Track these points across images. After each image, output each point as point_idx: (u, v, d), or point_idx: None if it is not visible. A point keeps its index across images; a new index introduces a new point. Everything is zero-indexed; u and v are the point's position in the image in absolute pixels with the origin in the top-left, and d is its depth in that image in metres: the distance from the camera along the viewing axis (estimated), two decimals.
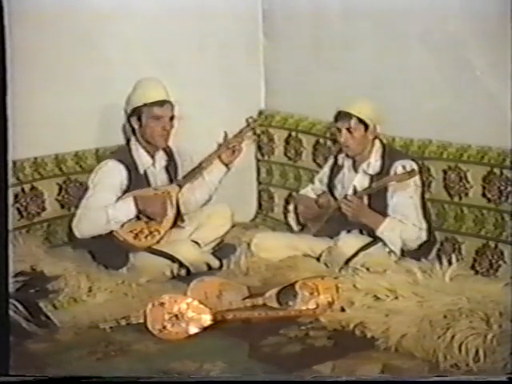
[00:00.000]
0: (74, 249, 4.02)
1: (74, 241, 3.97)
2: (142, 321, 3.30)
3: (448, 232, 3.95)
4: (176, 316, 3.29)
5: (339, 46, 4.32)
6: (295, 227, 4.20)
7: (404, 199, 3.80)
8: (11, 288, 2.94)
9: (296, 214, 4.20)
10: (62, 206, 4.20)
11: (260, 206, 4.96)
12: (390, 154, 3.92)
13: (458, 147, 3.88)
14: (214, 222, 4.11)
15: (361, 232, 3.94)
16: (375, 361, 3.00)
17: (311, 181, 4.36)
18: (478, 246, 3.83)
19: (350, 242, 3.88)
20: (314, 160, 4.58)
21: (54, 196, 4.17)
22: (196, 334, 3.28)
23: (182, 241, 4.02)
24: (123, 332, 3.28)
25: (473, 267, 3.82)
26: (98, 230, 3.84)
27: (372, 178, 3.90)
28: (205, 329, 3.29)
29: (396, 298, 3.38)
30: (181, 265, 3.92)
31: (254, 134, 4.49)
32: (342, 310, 3.39)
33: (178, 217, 4.05)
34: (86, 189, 3.92)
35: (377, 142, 3.95)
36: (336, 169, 4.11)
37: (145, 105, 3.91)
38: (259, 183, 4.97)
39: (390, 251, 3.81)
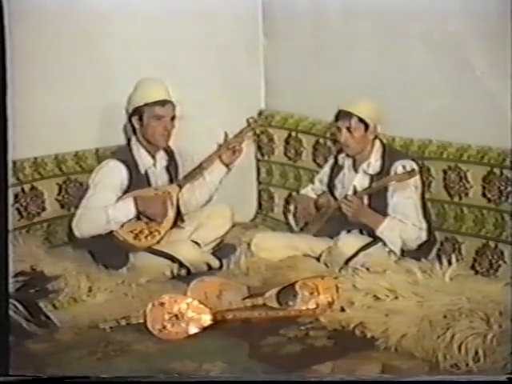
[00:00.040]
0: (73, 249, 4.02)
1: (74, 241, 3.97)
2: (141, 321, 3.30)
3: (448, 232, 3.95)
4: (176, 316, 3.29)
5: (339, 46, 4.31)
6: (295, 227, 4.20)
7: (404, 199, 3.80)
8: (11, 288, 2.95)
9: (296, 214, 4.20)
10: (62, 206, 4.19)
11: (260, 205, 4.96)
12: (390, 153, 3.92)
13: (458, 147, 3.87)
14: (214, 222, 4.11)
15: (361, 232, 3.94)
16: (375, 361, 3.00)
17: (311, 181, 4.36)
18: (478, 246, 3.82)
19: (349, 241, 3.88)
20: (314, 160, 4.58)
21: (53, 196, 4.17)
22: (196, 334, 3.27)
23: (182, 241, 4.02)
24: (123, 332, 3.28)
25: (473, 267, 3.81)
26: (97, 230, 3.84)
27: (372, 177, 3.90)
28: (205, 329, 3.29)
29: (396, 297, 3.38)
30: (181, 265, 3.92)
31: (254, 134, 4.49)
32: (342, 310, 3.38)
33: (178, 217, 4.05)
34: (86, 189, 3.93)
35: (377, 141, 3.95)
36: (336, 169, 4.11)
37: (146, 104, 3.91)
38: (259, 183, 4.96)
39: (390, 251, 3.80)
